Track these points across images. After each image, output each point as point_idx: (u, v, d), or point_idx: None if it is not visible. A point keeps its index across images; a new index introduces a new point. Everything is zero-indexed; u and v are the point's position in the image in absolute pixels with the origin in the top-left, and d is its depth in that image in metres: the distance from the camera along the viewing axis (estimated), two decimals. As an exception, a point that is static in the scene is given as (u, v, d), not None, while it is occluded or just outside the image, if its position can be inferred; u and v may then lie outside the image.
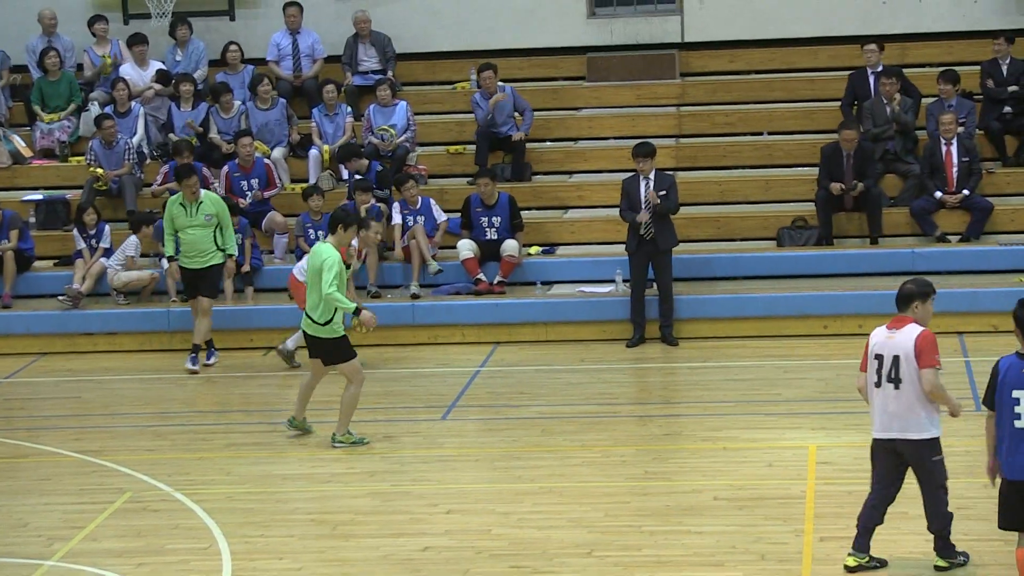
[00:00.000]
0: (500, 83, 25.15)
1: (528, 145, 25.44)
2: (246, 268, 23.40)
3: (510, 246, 23.12)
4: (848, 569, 13.19)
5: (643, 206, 21.60)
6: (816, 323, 22.24)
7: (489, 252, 23.25)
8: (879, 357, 12.89)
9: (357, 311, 17.03)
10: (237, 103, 25.61)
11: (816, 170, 23.80)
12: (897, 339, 12.80)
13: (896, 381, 12.77)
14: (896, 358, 12.72)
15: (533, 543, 14.54)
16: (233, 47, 26.40)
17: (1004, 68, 24.59)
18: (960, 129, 23.49)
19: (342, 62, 26.69)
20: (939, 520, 13.05)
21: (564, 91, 26.96)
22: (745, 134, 25.91)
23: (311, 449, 17.84)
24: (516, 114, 25.32)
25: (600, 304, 22.78)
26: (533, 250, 24.12)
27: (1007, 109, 24.48)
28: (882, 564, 13.29)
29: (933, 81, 24.58)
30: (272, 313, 22.98)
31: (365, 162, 24.20)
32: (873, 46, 24.97)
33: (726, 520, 14.97)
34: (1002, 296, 20.99)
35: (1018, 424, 12.23)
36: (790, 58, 26.66)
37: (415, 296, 22.65)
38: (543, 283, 23.59)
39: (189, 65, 26.67)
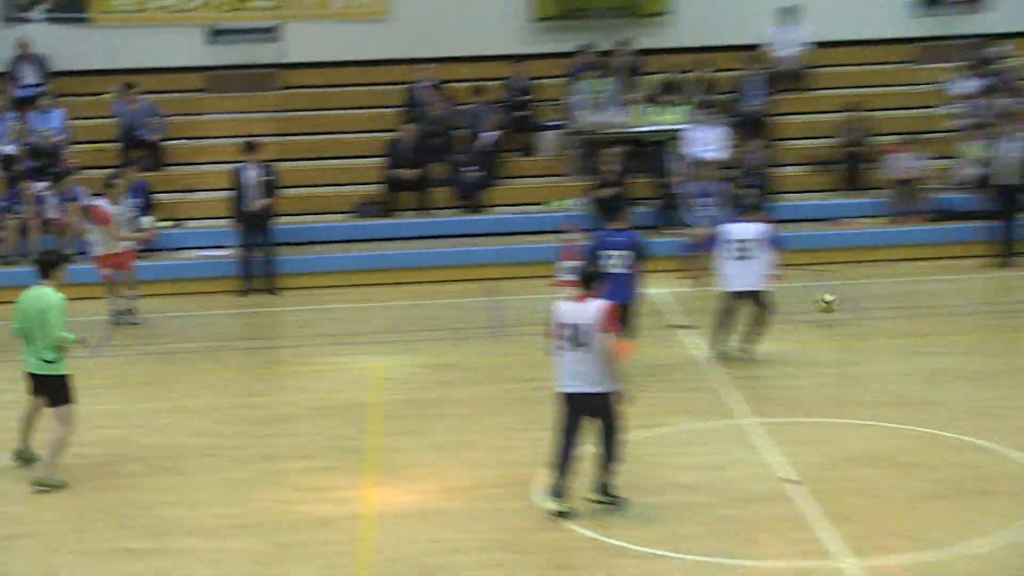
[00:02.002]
0: (138, 96, 24.96)
1: (163, 143, 25.27)
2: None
3: (145, 222, 22.77)
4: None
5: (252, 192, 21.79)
6: (387, 275, 22.55)
7: (131, 226, 22.96)
8: (568, 325, 11.87)
9: (79, 340, 13.69)
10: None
11: (385, 159, 24.12)
12: (585, 310, 11.83)
13: (582, 345, 11.81)
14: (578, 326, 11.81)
15: (166, 448, 14.52)
16: None
17: (519, 82, 25.33)
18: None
19: (7, 78, 26.02)
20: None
21: (190, 101, 26.74)
22: (331, 133, 26.06)
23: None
24: (151, 119, 25.10)
25: (218, 264, 22.76)
26: (166, 224, 23.98)
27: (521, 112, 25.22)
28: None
29: (469, 93, 25.18)
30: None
31: None
32: (426, 66, 25.44)
33: (316, 424, 15.19)
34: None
35: None
36: (367, 75, 26.86)
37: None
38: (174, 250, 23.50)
39: None
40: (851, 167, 23.95)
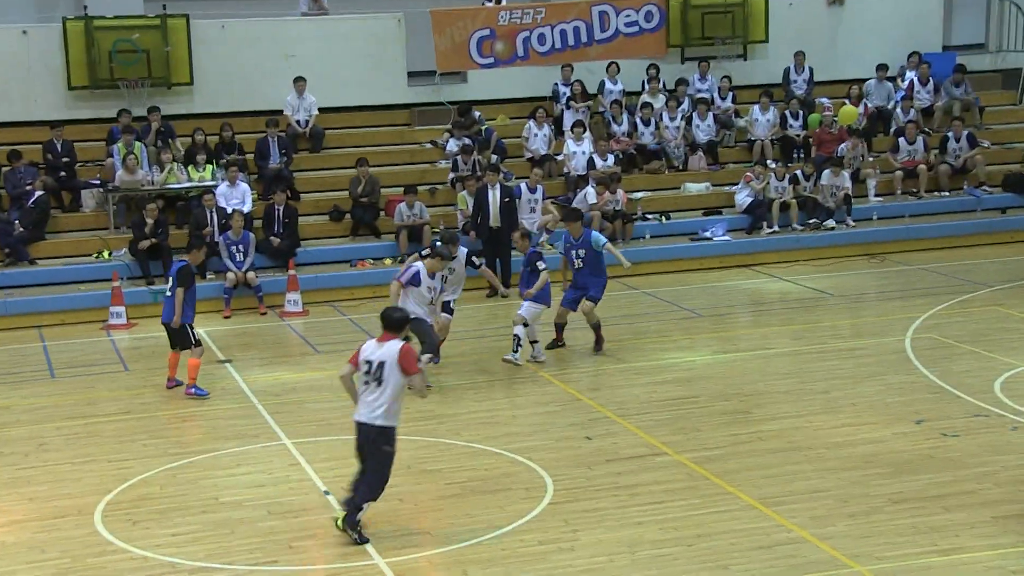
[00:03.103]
0: None
1: None
2: None
3: None
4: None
5: None
6: None
7: None
8: (368, 362, 11.51)
9: None
10: None
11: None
12: (385, 349, 11.44)
13: (379, 380, 11.42)
14: (382, 364, 11.42)
15: None
16: None
17: (59, 145, 24.16)
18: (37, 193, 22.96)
19: None
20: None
21: None
22: None
23: None
24: None
25: None
26: None
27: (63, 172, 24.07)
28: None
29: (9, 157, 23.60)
30: None
31: None
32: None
33: None
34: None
35: None
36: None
37: None
38: None
39: None
40: (363, 216, 24.05)
